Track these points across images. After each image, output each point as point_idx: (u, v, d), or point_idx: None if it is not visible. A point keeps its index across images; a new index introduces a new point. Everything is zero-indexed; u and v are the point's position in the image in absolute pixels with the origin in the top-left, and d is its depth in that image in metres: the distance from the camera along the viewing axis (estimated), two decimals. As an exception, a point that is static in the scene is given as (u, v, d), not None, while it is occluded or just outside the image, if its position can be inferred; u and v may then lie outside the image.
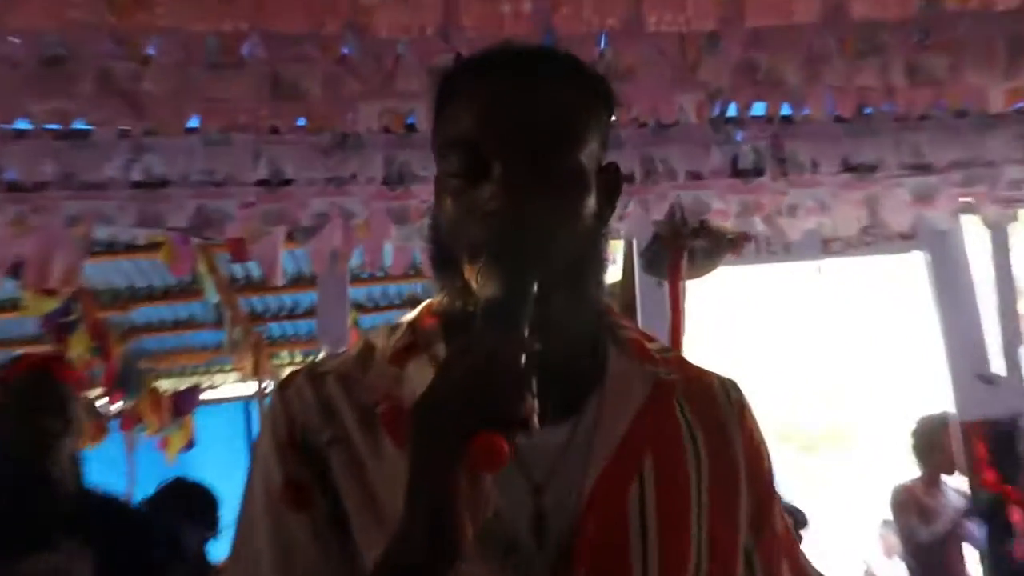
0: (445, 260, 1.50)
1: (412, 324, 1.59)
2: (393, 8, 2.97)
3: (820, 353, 22.13)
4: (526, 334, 1.29)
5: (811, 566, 1.71)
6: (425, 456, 1.23)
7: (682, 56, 3.66)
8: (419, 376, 1.48)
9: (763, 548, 1.60)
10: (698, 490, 1.52)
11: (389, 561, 1.27)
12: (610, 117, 1.57)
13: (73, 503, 3.55)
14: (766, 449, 1.64)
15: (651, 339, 1.65)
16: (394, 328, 1.59)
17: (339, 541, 1.43)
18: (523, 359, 1.24)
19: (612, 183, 1.56)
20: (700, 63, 3.72)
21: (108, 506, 3.72)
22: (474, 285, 1.40)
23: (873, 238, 6.15)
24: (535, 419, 1.21)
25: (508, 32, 3.07)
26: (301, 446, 1.47)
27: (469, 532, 1.22)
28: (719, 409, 1.60)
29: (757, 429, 1.64)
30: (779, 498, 1.66)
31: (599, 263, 1.53)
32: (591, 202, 1.48)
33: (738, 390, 1.64)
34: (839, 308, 22.25)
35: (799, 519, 6.44)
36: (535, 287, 1.34)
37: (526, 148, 1.42)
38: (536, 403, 1.22)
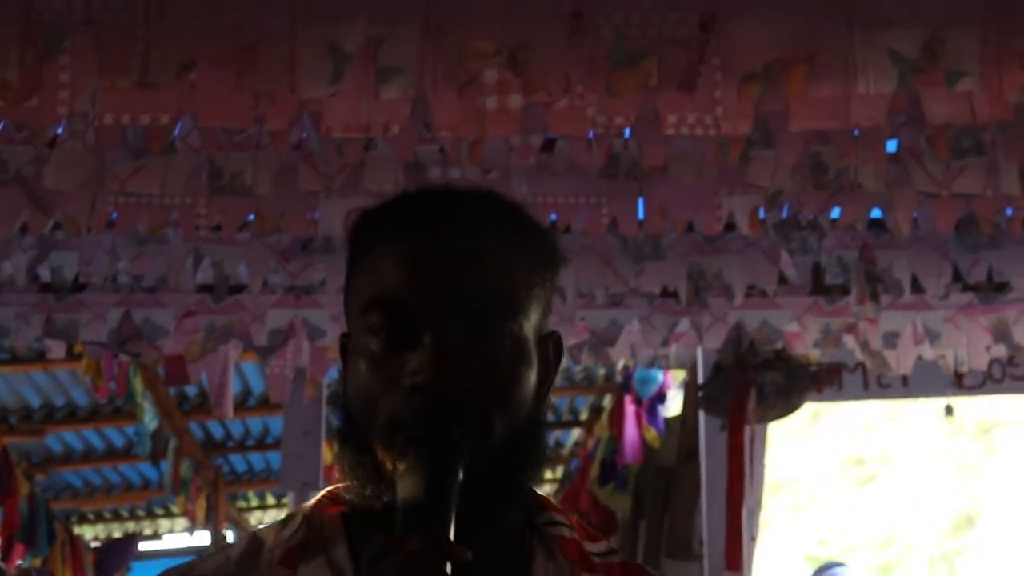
0: (355, 437, 1.62)
1: (308, 517, 1.71)
2: (346, 103, 3.26)
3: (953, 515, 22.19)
4: (451, 536, 1.44)
5: None
6: None
7: (724, 154, 3.84)
8: None
9: None
10: None
11: None
12: (555, 278, 1.76)
13: None
14: None
15: (596, 537, 1.79)
16: (287, 520, 1.71)
17: None
18: (449, 569, 1.40)
19: (553, 353, 1.73)
20: (750, 161, 3.95)
21: None
22: (390, 472, 1.54)
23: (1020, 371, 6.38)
24: None
25: (491, 132, 3.36)
26: None
27: None
28: None
29: None
30: None
31: (536, 446, 1.67)
32: (532, 377, 1.64)
33: None
34: (976, 458, 22.16)
35: None
36: (461, 476, 1.50)
37: (464, 316, 1.58)
38: None
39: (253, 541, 1.71)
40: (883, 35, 3.22)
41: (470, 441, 1.54)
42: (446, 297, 1.59)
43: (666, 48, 3.23)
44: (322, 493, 1.76)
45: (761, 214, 4.44)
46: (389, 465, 1.55)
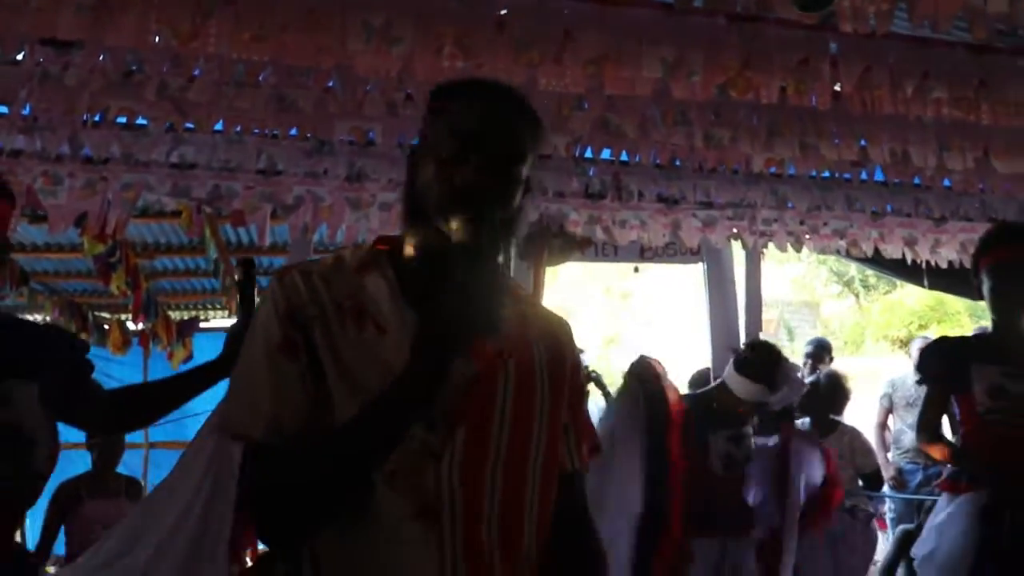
0: (418, 211, 1.54)
1: (370, 248, 1.60)
2: (370, 56, 2.99)
3: (634, 324, 22.33)
4: (497, 271, 1.40)
5: (596, 433, 1.84)
6: (438, 347, 1.37)
7: (559, 112, 3.73)
8: (373, 286, 1.54)
9: (574, 423, 1.71)
10: (542, 383, 1.60)
11: (391, 396, 1.39)
12: (542, 146, 1.67)
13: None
14: (580, 361, 1.76)
15: (522, 288, 1.77)
16: (357, 248, 1.61)
17: (317, 389, 1.46)
18: (498, 289, 1.37)
19: (530, 183, 1.65)
20: (571, 117, 3.80)
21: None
22: (450, 232, 1.44)
23: (674, 251, 6.30)
24: (500, 325, 1.37)
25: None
26: (294, 317, 1.48)
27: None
28: (557, 334, 1.68)
29: (576, 347, 1.74)
30: (586, 393, 1.78)
31: (519, 222, 1.61)
32: (521, 191, 1.56)
33: (566, 322, 1.73)
34: (648, 297, 22.46)
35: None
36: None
37: (500, 152, 1.50)
38: (501, 315, 1.37)
39: (338, 257, 1.59)
40: None
41: (491, 216, 1.46)
42: (495, 139, 1.51)
43: None
44: (376, 238, 1.63)
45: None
46: (445, 226, 1.46)
